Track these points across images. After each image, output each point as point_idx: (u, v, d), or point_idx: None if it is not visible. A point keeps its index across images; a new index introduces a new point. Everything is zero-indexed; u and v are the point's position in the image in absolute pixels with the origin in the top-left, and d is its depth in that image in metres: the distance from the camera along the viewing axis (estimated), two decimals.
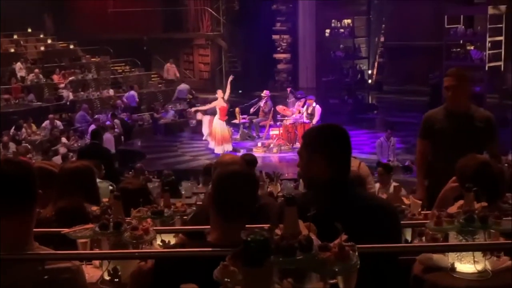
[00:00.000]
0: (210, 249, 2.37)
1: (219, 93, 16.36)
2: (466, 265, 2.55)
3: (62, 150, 15.21)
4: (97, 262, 2.88)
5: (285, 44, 23.77)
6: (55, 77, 22.31)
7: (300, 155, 2.70)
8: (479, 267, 2.54)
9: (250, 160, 5.75)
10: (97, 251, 2.88)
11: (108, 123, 18.40)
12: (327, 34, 21.95)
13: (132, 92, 21.54)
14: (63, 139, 16.83)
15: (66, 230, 2.88)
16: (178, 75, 25.01)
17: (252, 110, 17.87)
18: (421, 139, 5.31)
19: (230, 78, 17.10)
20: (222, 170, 2.53)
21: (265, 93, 17.61)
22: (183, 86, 22.58)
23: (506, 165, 9.91)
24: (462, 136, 4.90)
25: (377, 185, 8.74)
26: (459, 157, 4.82)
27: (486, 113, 5.10)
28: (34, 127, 17.74)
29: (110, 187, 5.89)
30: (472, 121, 4.96)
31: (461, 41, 18.57)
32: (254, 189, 2.51)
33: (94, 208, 3.44)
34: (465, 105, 5.03)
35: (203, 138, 17.42)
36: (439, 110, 5.23)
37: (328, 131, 2.71)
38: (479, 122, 4.95)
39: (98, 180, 4.74)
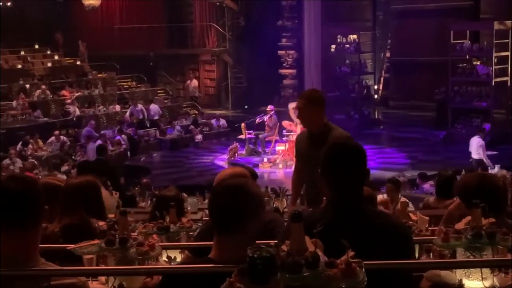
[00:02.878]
0: (210, 265, 2.36)
1: None
2: (474, 282, 2.53)
3: (65, 167, 15.28)
4: (103, 278, 2.87)
5: (290, 59, 23.81)
6: (65, 93, 22.42)
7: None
8: (487, 283, 2.52)
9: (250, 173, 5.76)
10: (103, 267, 2.87)
11: (118, 137, 18.46)
12: (332, 50, 21.99)
13: (156, 105, 21.63)
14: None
15: (72, 246, 2.88)
16: (196, 85, 25.10)
17: (258, 120, 17.91)
18: (295, 162, 5.60)
19: None
20: (216, 183, 2.54)
21: (269, 108, 17.65)
22: (155, 107, 21.94)
23: None
24: (311, 155, 5.05)
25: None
26: (312, 176, 4.98)
27: (337, 135, 5.11)
28: (40, 143, 17.78)
29: (116, 203, 5.90)
30: (321, 142, 4.92)
31: (467, 57, 18.56)
32: (243, 202, 2.38)
33: (101, 223, 3.44)
34: (314, 126, 5.14)
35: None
36: (305, 131, 5.40)
37: (332, 150, 2.76)
38: (327, 144, 5.01)
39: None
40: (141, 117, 21.36)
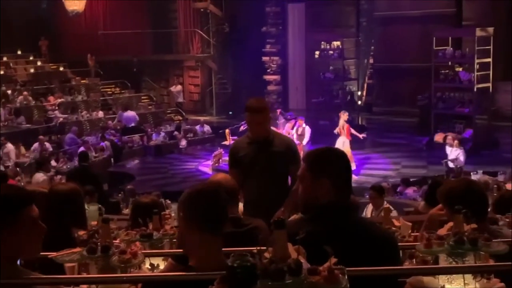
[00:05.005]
0: (193, 273, 2.36)
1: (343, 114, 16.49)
2: None
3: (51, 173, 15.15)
4: (85, 287, 2.84)
5: (275, 65, 23.89)
6: (51, 99, 22.29)
7: (303, 178, 2.67)
8: None
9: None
10: (84, 275, 2.85)
11: (102, 144, 18.35)
12: (316, 56, 22.05)
13: (132, 112, 21.57)
14: (52, 162, 16.74)
15: (53, 254, 2.85)
16: (180, 90, 25.01)
17: (242, 128, 17.90)
18: (231, 169, 5.48)
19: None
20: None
21: None
22: (131, 113, 21.81)
23: (495, 186, 9.96)
24: (262, 161, 5.18)
25: (370, 207, 8.72)
26: (263, 180, 5.18)
27: (286, 139, 5.41)
28: (23, 150, 17.64)
29: (99, 211, 5.85)
30: (270, 147, 5.20)
31: (450, 63, 18.68)
32: (225, 203, 2.51)
33: (81, 232, 3.40)
34: (263, 133, 5.22)
35: None
36: (243, 139, 5.48)
37: (333, 155, 2.72)
38: (278, 147, 5.18)
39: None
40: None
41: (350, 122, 21.40)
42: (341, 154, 2.75)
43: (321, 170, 2.61)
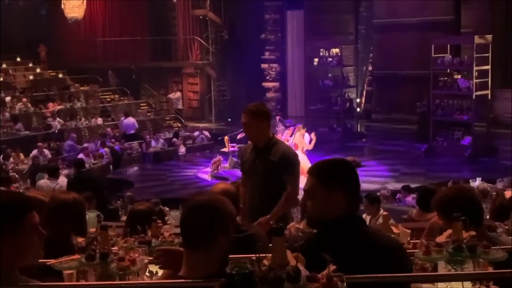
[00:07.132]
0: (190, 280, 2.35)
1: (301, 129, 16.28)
2: None
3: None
4: None
5: (273, 73, 23.94)
6: (50, 105, 22.29)
7: (313, 192, 2.54)
8: None
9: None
10: (83, 282, 2.84)
11: (101, 150, 18.34)
12: (315, 63, 22.07)
13: (131, 119, 21.57)
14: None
15: (52, 261, 2.84)
16: (179, 97, 25.00)
17: (239, 136, 17.91)
18: (242, 171, 5.62)
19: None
20: (188, 200, 2.52)
21: None
22: (130, 120, 21.68)
23: (494, 193, 9.97)
24: (259, 168, 5.21)
25: (367, 215, 8.67)
26: (257, 187, 5.21)
27: (282, 149, 5.25)
28: (22, 156, 17.63)
29: (97, 217, 5.84)
30: (267, 155, 5.18)
31: (448, 70, 18.69)
32: (213, 219, 2.39)
33: (80, 239, 3.40)
34: (260, 140, 5.22)
35: None
36: (250, 144, 5.47)
37: (345, 166, 2.63)
38: (273, 156, 5.14)
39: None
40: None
41: (349, 129, 21.53)
42: (350, 164, 2.67)
43: (335, 183, 2.50)
